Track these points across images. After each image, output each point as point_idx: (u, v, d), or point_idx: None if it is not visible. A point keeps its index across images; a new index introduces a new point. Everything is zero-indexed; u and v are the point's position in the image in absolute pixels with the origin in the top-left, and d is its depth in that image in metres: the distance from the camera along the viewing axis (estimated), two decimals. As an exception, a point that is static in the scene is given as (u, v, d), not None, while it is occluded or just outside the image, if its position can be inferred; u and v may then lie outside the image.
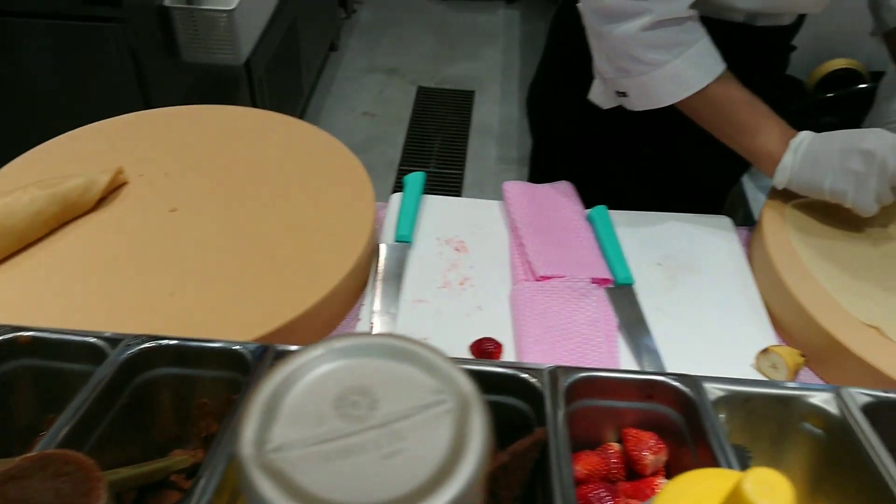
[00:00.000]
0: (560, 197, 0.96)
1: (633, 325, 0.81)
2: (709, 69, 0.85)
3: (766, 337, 0.81)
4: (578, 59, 1.03)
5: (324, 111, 3.05)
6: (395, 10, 3.86)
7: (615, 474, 0.60)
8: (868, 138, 0.80)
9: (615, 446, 0.62)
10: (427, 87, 3.24)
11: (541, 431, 0.55)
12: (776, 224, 0.88)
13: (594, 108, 1.05)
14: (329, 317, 0.80)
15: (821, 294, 0.79)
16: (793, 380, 0.75)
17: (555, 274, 0.84)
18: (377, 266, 0.86)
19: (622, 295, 0.84)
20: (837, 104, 1.33)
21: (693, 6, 0.83)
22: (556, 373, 0.60)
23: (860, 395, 0.60)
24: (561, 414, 0.56)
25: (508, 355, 0.78)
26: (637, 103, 0.90)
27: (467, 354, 0.77)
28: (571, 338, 0.78)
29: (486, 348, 0.77)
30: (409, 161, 2.81)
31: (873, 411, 0.60)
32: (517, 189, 0.96)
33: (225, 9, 1.55)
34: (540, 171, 1.18)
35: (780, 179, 0.86)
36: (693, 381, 0.60)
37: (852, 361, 0.74)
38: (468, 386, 0.29)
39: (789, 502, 0.31)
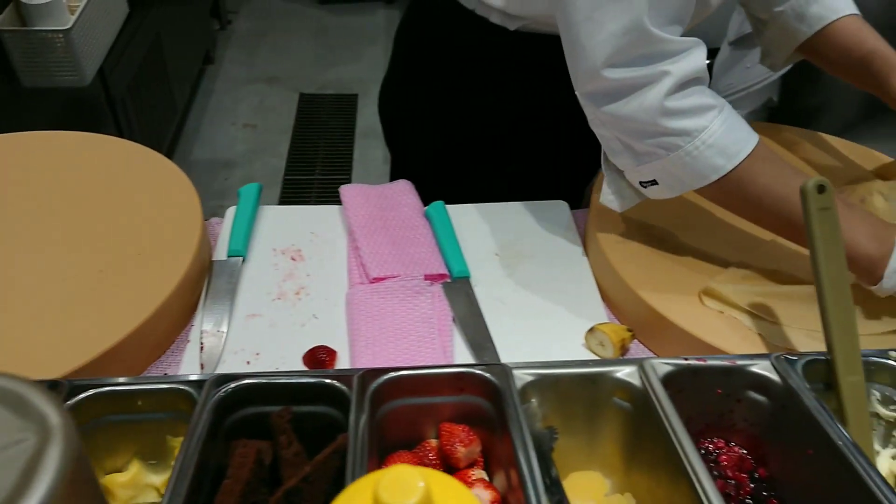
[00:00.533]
0: (398, 196, 0.95)
1: (469, 318, 0.81)
2: (748, 132, 0.73)
3: (599, 316, 0.83)
4: (426, 73, 1.03)
5: (203, 126, 2.96)
6: (273, 17, 3.80)
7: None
8: None
9: (433, 443, 0.61)
10: (309, 94, 3.20)
11: (342, 438, 0.55)
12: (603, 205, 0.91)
13: (449, 128, 1.05)
14: (157, 340, 0.77)
15: (643, 270, 0.82)
16: (621, 355, 0.77)
17: (388, 274, 0.83)
18: (209, 284, 0.84)
19: (459, 289, 0.84)
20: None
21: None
22: (365, 377, 0.60)
23: (662, 366, 0.61)
24: (363, 418, 0.56)
25: (343, 362, 0.76)
26: (667, 192, 0.77)
27: (301, 365, 0.76)
28: (405, 337, 0.77)
29: (318, 357, 0.76)
30: (294, 170, 2.77)
31: (675, 380, 0.62)
32: (354, 192, 0.95)
33: (61, 29, 1.48)
34: None
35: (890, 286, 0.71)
36: (502, 369, 0.61)
37: (674, 331, 0.76)
38: (56, 419, 0.26)
39: (419, 497, 0.31)
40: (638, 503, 0.61)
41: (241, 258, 0.87)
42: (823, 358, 0.62)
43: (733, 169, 0.72)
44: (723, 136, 0.72)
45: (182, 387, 0.59)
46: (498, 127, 1.03)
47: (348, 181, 2.64)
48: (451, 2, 0.94)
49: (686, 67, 0.70)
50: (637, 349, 0.80)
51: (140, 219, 0.86)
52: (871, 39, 0.92)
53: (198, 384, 0.59)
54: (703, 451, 0.65)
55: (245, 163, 2.78)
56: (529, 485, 0.50)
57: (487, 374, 0.60)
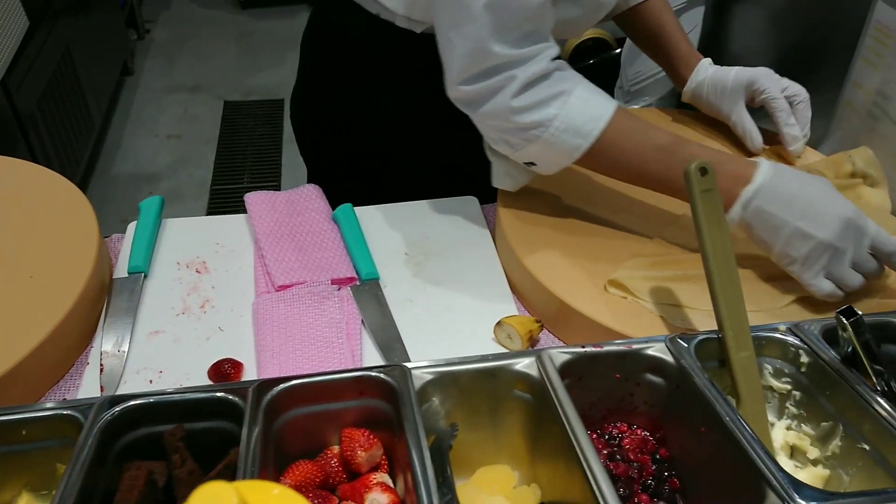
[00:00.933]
0: (305, 201, 0.94)
1: (378, 319, 0.80)
2: (602, 107, 0.78)
3: (509, 309, 0.83)
4: (334, 79, 1.02)
5: (124, 139, 2.88)
6: (193, 25, 3.72)
7: (336, 478, 0.59)
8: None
9: (335, 449, 0.61)
10: (234, 101, 3.15)
11: (233, 453, 0.53)
12: (509, 197, 0.91)
13: (361, 134, 1.04)
14: (54, 364, 0.74)
15: (549, 260, 0.82)
16: (530, 346, 0.78)
17: (294, 281, 0.82)
18: (108, 303, 0.81)
19: (367, 291, 0.83)
20: (590, 72, 1.40)
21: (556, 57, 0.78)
22: (260, 388, 0.58)
23: (559, 355, 0.62)
24: (256, 431, 0.55)
25: (250, 374, 0.75)
26: (546, 170, 0.84)
27: (206, 380, 0.74)
28: (312, 344, 0.76)
29: (223, 371, 0.74)
30: (221, 179, 2.72)
31: (573, 368, 0.62)
32: (259, 199, 0.93)
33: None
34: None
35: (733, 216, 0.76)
36: (401, 370, 0.60)
37: (581, 320, 0.77)
38: None
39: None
40: (543, 494, 0.61)
41: (142, 274, 0.84)
42: (716, 336, 0.64)
43: (593, 144, 0.78)
44: (574, 119, 0.77)
45: (68, 412, 0.57)
46: (409, 130, 1.03)
47: (278, 188, 2.61)
48: (355, 6, 0.93)
49: (531, 69, 0.76)
50: (547, 339, 0.81)
51: (34, 240, 0.83)
52: (668, 24, 1.01)
53: (85, 408, 0.57)
54: (606, 437, 0.65)
55: (170, 175, 2.71)
56: (422, 486, 0.50)
57: (385, 377, 0.59)
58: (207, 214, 2.50)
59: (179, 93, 3.19)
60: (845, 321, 0.57)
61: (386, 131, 1.03)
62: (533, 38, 0.76)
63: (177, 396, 0.58)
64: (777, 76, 0.99)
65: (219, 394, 0.58)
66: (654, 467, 0.63)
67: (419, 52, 0.93)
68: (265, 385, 0.59)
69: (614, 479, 0.61)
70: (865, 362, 0.57)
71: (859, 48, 0.97)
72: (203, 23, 3.75)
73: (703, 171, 0.64)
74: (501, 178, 0.89)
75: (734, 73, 1.00)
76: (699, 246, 0.64)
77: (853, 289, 0.74)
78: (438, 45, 0.80)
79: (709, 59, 1.03)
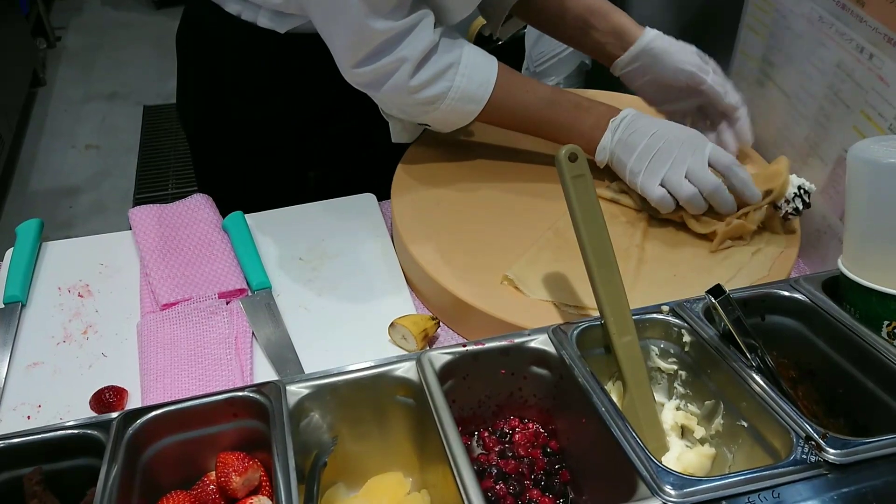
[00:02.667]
0: (193, 212, 0.90)
1: (270, 332, 0.78)
2: (487, 71, 0.83)
3: (407, 308, 0.81)
4: (208, 83, 0.98)
5: (40, 153, 2.78)
6: (106, 29, 3.59)
7: (213, 506, 0.57)
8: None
9: (212, 475, 0.58)
10: (154, 106, 3.06)
11: (90, 494, 0.51)
12: (402, 190, 0.89)
13: (241, 138, 1.01)
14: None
15: (444, 257, 0.81)
16: (425, 345, 0.76)
17: (179, 298, 0.79)
18: (-18, 338, 0.77)
19: (259, 302, 0.80)
20: (495, 55, 1.39)
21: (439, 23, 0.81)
22: (126, 419, 0.56)
23: (440, 357, 0.60)
24: (116, 468, 0.52)
25: (135, 400, 0.72)
26: (445, 129, 0.90)
27: (88, 411, 0.71)
28: (199, 363, 0.73)
29: (105, 400, 0.71)
30: (145, 188, 2.64)
31: (457, 367, 0.61)
32: (143, 214, 0.89)
33: None
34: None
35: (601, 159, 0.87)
36: (274, 387, 0.58)
37: (477, 315, 0.76)
38: None
39: None
40: (432, 500, 0.60)
41: (19, 303, 0.80)
42: (598, 323, 0.63)
43: (485, 106, 0.84)
44: (467, 88, 0.83)
45: (-84, 465, 0.53)
46: (290, 132, 1.01)
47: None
48: (217, 7, 0.89)
49: (419, 47, 0.78)
50: (447, 335, 0.80)
51: None
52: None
53: (-67, 459, 0.53)
54: (498, 433, 0.64)
55: (90, 187, 2.62)
56: (285, 511, 0.48)
57: (256, 396, 0.57)
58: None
59: (96, 101, 3.08)
60: (714, 300, 0.56)
61: (264, 136, 1.00)
62: (406, 6, 0.77)
63: (35, 437, 0.55)
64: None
65: (80, 430, 0.55)
66: (545, 461, 0.62)
67: (285, 53, 0.90)
68: (130, 416, 0.56)
69: (504, 477, 0.60)
70: (738, 339, 0.57)
71: (743, 16, 0.98)
72: (118, 27, 3.63)
73: (574, 157, 0.63)
74: (399, 135, 0.93)
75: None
76: (575, 233, 0.63)
77: (684, 198, 0.80)
78: (323, 37, 0.81)
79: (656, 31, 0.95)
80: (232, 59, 0.93)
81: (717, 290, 0.57)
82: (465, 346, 0.62)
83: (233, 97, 0.96)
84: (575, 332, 0.62)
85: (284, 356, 0.75)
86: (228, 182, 1.04)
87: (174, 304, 0.79)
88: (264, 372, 0.74)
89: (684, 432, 0.64)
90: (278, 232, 0.91)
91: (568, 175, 0.63)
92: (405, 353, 0.75)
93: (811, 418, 0.53)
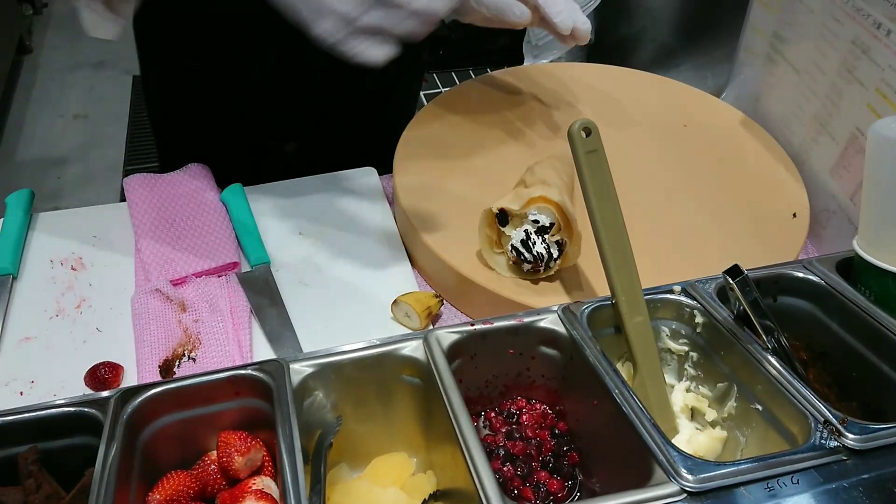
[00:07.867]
0: (190, 182, 0.88)
1: (268, 308, 0.76)
2: None
3: (409, 285, 0.79)
4: (175, 56, 0.95)
5: (27, 121, 2.72)
6: (94, -5, 3.51)
7: (215, 486, 0.55)
8: None
9: (213, 455, 0.56)
10: (143, 75, 2.99)
11: (88, 474, 0.49)
12: (405, 165, 0.87)
13: (218, 110, 0.98)
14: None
15: (448, 233, 0.79)
16: (429, 323, 0.74)
17: (175, 272, 0.77)
18: (-28, 311, 0.74)
19: (257, 277, 0.78)
20: (498, 29, 1.36)
21: None
22: (123, 397, 0.54)
23: (447, 336, 0.59)
24: (115, 447, 0.50)
25: (131, 376, 0.70)
26: None
27: (83, 387, 0.69)
28: (197, 340, 0.71)
29: (100, 376, 0.69)
30: (135, 160, 2.60)
31: (465, 347, 0.60)
32: (138, 183, 0.87)
33: None
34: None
35: None
36: (277, 365, 0.56)
37: (482, 293, 0.74)
38: None
39: None
40: (438, 481, 0.58)
41: (10, 276, 0.78)
42: (610, 303, 0.62)
43: None
44: None
45: None
46: (257, 94, 0.98)
47: (194, 164, 2.50)
48: None
49: None
50: (450, 314, 0.78)
51: None
52: None
53: (-77, 437, 0.52)
54: (505, 414, 0.63)
55: (78, 158, 2.58)
56: (291, 492, 0.46)
57: (259, 374, 0.55)
58: (122, 200, 2.39)
59: (84, 69, 3.02)
60: (731, 280, 0.55)
61: (236, 99, 0.98)
62: None
63: (30, 414, 0.53)
64: None
65: (76, 408, 0.53)
66: (553, 442, 0.61)
67: (248, 12, 0.86)
68: (128, 394, 0.54)
69: (512, 459, 0.59)
70: (754, 320, 0.56)
71: (755, -10, 0.95)
72: (105, -7, 3.55)
73: (588, 131, 0.61)
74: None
75: None
76: (587, 210, 0.62)
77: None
78: None
79: None
80: (198, 25, 0.91)
81: (734, 271, 0.55)
82: (472, 324, 0.60)
83: (195, 61, 0.93)
84: (585, 311, 0.60)
85: (281, 334, 0.73)
86: (225, 154, 1.00)
87: (174, 279, 0.76)
88: (263, 350, 0.73)
89: (694, 415, 0.63)
90: (278, 206, 0.88)
91: (581, 150, 0.61)
92: (409, 331, 0.73)
93: (824, 401, 0.51)
